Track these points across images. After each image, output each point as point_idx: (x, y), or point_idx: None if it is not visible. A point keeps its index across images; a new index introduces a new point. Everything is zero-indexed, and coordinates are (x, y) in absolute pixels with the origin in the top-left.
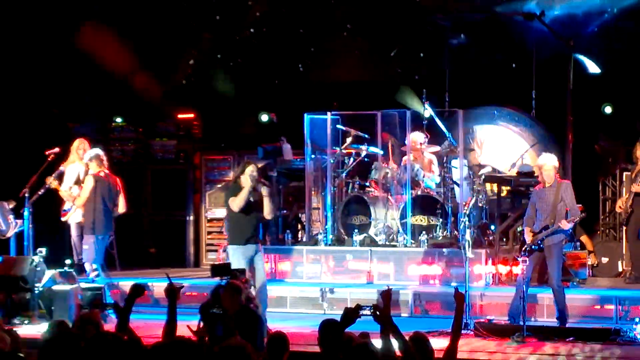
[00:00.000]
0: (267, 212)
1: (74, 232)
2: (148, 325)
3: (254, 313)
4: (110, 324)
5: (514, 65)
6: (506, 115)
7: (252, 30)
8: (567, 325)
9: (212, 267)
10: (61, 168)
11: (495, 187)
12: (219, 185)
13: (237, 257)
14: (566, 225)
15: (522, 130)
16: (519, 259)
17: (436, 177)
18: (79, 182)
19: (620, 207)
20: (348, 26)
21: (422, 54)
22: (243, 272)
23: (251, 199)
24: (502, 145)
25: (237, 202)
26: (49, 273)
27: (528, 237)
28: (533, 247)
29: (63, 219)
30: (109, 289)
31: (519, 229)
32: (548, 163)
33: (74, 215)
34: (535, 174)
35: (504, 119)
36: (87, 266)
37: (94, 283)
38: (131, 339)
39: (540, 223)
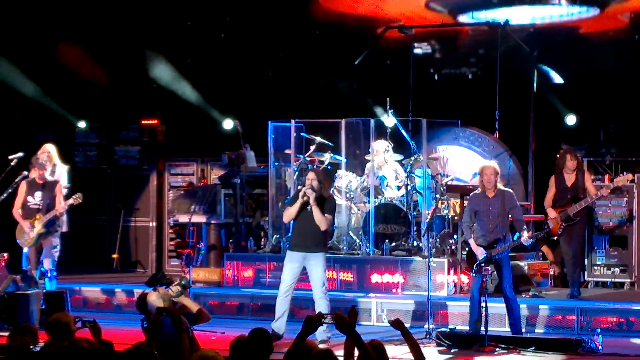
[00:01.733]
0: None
1: None
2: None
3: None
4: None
5: (478, 72)
6: (469, 136)
7: (222, 35)
8: (528, 335)
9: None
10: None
11: (458, 196)
12: (182, 192)
13: (286, 261)
14: (526, 239)
15: (484, 151)
16: (472, 274)
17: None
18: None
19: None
20: (316, 32)
21: (388, 62)
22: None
23: (307, 209)
24: (464, 164)
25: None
26: (10, 278)
27: (478, 252)
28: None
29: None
30: (70, 294)
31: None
32: (489, 168)
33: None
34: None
35: (466, 140)
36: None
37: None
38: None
39: (486, 234)
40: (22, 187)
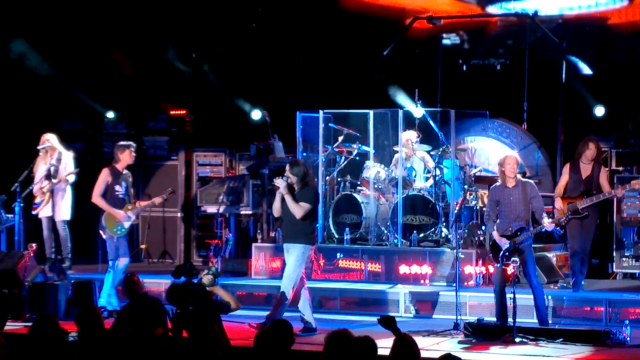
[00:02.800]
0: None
1: (45, 227)
2: None
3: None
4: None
5: (507, 63)
6: (497, 127)
7: (254, 25)
8: (556, 326)
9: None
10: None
11: (486, 187)
12: (210, 182)
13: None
14: (549, 225)
15: (512, 142)
16: (498, 265)
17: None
18: (49, 176)
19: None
20: (343, 29)
21: (417, 51)
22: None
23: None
24: (493, 155)
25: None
26: (39, 268)
27: (502, 242)
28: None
29: (33, 212)
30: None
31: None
32: (511, 157)
33: (44, 210)
34: (527, 174)
35: (495, 131)
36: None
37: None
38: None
39: (508, 223)
40: (105, 175)
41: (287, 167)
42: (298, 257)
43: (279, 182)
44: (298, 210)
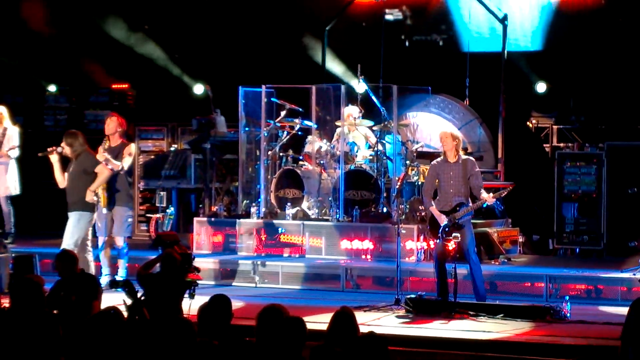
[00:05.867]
0: None
1: (2, 200)
2: None
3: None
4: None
5: (449, 39)
6: (439, 103)
7: None
8: (497, 302)
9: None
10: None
11: (428, 162)
12: (152, 157)
13: None
14: (491, 200)
15: (454, 118)
16: (438, 241)
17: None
18: None
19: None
20: None
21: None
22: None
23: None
24: (435, 131)
25: None
26: None
27: (441, 218)
28: (451, 225)
29: None
30: (39, 258)
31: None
32: (444, 133)
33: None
34: (469, 150)
35: (437, 107)
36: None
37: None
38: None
39: (447, 199)
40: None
41: (63, 138)
42: (75, 223)
43: (52, 157)
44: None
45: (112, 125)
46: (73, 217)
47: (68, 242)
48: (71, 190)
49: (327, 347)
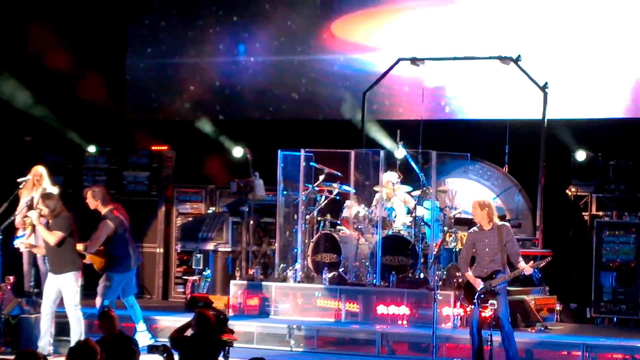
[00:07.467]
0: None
1: (25, 261)
2: None
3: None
4: None
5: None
6: (478, 170)
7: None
8: None
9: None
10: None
11: (465, 229)
12: (190, 219)
13: None
14: (529, 269)
15: (492, 184)
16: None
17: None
18: (31, 208)
19: None
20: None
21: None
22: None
23: None
24: (473, 197)
25: None
26: (16, 301)
27: (476, 283)
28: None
29: (15, 245)
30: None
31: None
32: (473, 203)
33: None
34: (507, 217)
35: (476, 173)
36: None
37: None
38: None
39: (484, 266)
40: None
41: (40, 200)
42: (72, 285)
43: (31, 213)
44: (50, 237)
45: (90, 201)
46: (68, 278)
47: (75, 302)
48: (55, 252)
49: None
